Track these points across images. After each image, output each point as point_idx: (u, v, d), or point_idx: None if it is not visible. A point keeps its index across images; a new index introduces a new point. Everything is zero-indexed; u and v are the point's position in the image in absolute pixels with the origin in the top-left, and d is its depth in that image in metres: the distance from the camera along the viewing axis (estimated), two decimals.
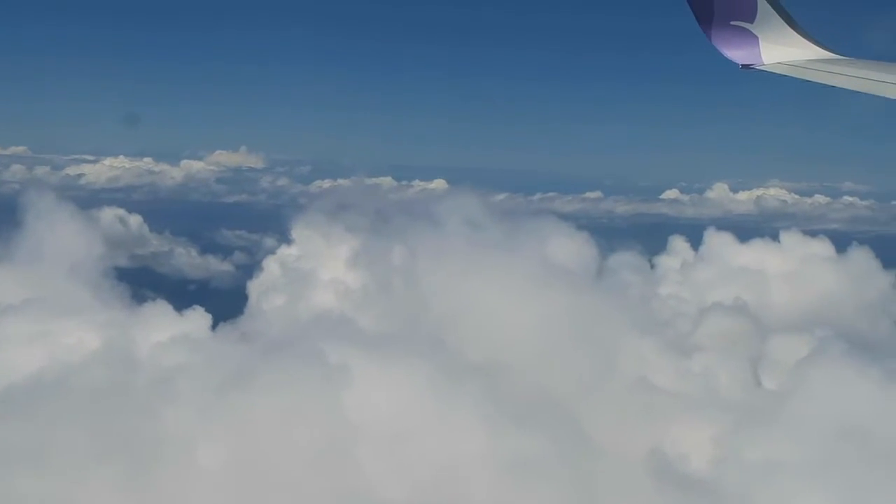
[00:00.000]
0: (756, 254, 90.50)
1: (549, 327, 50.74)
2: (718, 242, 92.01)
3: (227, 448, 38.20)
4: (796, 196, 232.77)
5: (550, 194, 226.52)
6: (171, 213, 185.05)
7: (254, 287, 73.56)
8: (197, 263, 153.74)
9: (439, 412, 38.96)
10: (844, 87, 9.54)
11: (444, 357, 42.63)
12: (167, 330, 47.81)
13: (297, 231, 75.53)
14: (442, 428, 39.55)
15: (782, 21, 10.83)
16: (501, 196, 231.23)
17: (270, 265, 76.45)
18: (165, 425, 39.08)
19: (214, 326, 54.60)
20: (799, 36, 10.88)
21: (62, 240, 61.81)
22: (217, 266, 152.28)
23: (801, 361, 63.68)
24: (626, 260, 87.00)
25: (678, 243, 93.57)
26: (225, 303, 77.07)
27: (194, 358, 44.01)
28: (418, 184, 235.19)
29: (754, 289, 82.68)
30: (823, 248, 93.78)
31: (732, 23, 10.75)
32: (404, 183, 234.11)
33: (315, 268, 67.42)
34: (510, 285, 52.84)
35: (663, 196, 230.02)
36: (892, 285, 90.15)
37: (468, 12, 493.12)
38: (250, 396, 37.85)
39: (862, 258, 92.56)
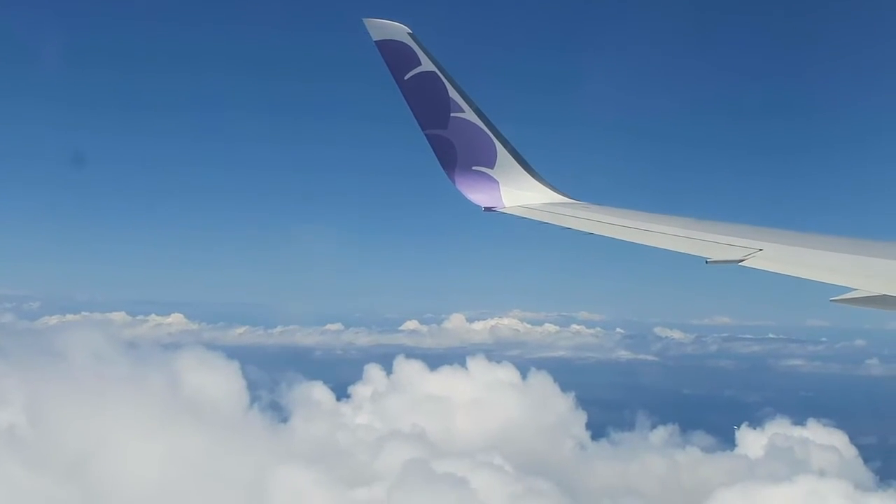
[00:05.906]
0: (444, 381, 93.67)
1: (179, 465, 49.37)
2: (409, 371, 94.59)
3: None
4: (529, 325, 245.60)
5: (292, 327, 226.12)
6: None
7: None
8: None
9: None
10: (576, 228, 10.07)
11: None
12: None
13: None
14: None
15: (520, 167, 11.34)
16: (241, 329, 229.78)
17: None
18: None
19: None
20: (535, 181, 11.43)
21: None
22: None
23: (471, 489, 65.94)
24: (315, 392, 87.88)
25: (375, 372, 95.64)
26: None
27: None
28: (154, 318, 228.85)
29: (438, 415, 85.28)
30: (508, 374, 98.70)
31: (474, 168, 11.21)
32: (140, 318, 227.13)
33: None
34: (141, 421, 51.25)
35: (403, 327, 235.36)
36: (570, 409, 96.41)
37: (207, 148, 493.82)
38: None
39: (543, 383, 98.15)
